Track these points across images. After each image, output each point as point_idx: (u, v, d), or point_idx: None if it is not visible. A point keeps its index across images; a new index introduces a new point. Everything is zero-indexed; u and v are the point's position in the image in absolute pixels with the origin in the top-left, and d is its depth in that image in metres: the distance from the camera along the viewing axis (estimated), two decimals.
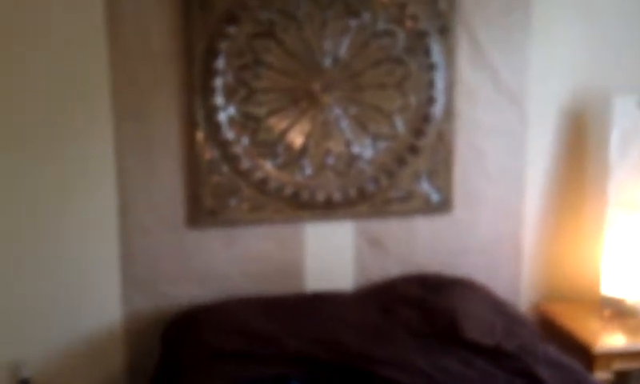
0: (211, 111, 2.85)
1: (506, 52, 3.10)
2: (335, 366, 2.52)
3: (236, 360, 2.54)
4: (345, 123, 2.98)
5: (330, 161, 3.00)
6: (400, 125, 3.03)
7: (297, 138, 2.96)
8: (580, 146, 3.31)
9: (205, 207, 2.91)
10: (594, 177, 3.28)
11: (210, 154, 2.88)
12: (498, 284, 3.12)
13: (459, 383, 2.43)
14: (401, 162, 3.06)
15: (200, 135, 2.87)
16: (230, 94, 2.86)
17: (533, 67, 3.14)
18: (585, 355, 2.90)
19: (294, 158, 2.97)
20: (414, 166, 3.07)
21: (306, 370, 2.50)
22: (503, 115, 3.16)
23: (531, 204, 3.27)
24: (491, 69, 3.09)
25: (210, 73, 2.82)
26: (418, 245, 3.14)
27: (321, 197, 3.01)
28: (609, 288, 3.19)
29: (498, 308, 2.94)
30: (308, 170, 2.99)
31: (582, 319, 3.16)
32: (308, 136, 2.96)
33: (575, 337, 3.04)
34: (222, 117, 2.87)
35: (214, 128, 2.87)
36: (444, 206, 3.14)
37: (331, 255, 3.09)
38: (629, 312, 3.15)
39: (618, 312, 3.16)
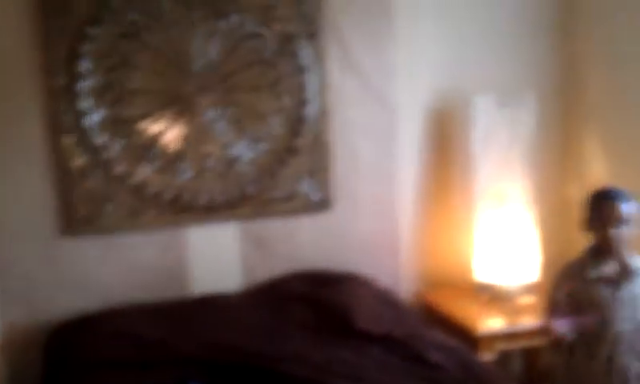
0: (79, 115, 2.77)
1: (373, 55, 3.25)
2: (232, 366, 2.48)
3: (125, 369, 2.46)
4: (221, 125, 2.99)
5: (210, 163, 2.99)
6: (277, 126, 3.08)
7: (173, 141, 2.92)
8: (446, 143, 3.50)
9: (78, 215, 2.80)
10: (461, 171, 3.47)
11: (80, 159, 2.79)
12: (380, 276, 3.20)
13: (356, 372, 2.46)
14: (280, 162, 3.10)
15: (68, 140, 2.77)
16: (99, 96, 2.79)
17: (399, 69, 3.31)
18: (468, 338, 3.03)
19: (172, 162, 2.93)
20: (293, 167, 3.13)
21: (201, 373, 2.45)
22: (374, 115, 3.29)
23: (405, 199, 3.42)
24: (360, 71, 3.23)
25: (73, 76, 2.75)
26: (302, 243, 3.19)
27: (202, 200, 2.99)
28: (481, 275, 3.37)
29: (384, 299, 3.03)
30: (187, 174, 2.96)
31: (461, 304, 3.31)
32: (185, 139, 2.95)
33: (457, 321, 3.17)
34: (92, 120, 2.79)
35: (83, 132, 2.78)
36: (324, 204, 3.21)
37: (216, 258, 3.07)
38: (503, 296, 3.33)
39: (493, 296, 3.34)
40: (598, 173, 3.58)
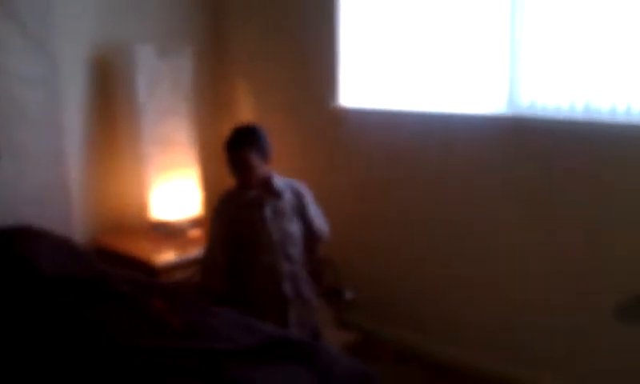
0: None
1: (31, 2, 3.16)
2: None
3: None
4: None
5: None
6: None
7: None
8: (111, 92, 3.63)
9: None
10: (127, 118, 3.64)
11: None
12: (53, 226, 3.17)
13: (51, 321, 2.47)
14: None
15: None
16: None
17: (59, 18, 3.29)
18: (148, 272, 3.26)
19: None
20: None
21: None
22: (35, 64, 3.22)
23: (73, 149, 3.47)
24: (18, 18, 3.12)
25: None
26: None
27: None
28: (154, 213, 3.62)
29: (62, 246, 3.06)
30: None
31: (137, 243, 3.53)
32: None
33: (136, 258, 3.38)
34: None
35: None
36: None
37: None
38: (175, 231, 3.64)
39: (166, 232, 3.63)
40: (246, 112, 4.12)
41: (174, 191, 3.66)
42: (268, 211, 2.91)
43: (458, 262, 3.36)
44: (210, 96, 4.09)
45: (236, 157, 2.86)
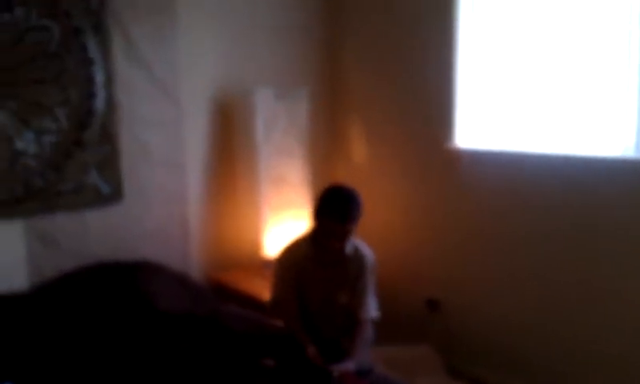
0: None
1: (158, 49, 3.35)
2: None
3: None
4: (3, 119, 2.89)
5: None
6: (63, 119, 3.05)
7: None
8: (230, 132, 3.75)
9: None
10: (245, 159, 3.74)
11: None
12: (172, 262, 3.32)
13: (170, 355, 2.58)
14: (67, 155, 3.08)
15: None
16: None
17: (183, 63, 3.46)
18: (260, 308, 3.28)
19: None
20: (81, 159, 3.12)
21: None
22: (160, 108, 3.40)
23: (193, 188, 3.59)
24: (145, 64, 3.31)
25: None
26: (92, 236, 3.18)
27: None
28: (267, 252, 3.68)
29: (180, 282, 3.17)
30: None
31: (250, 280, 3.59)
32: None
33: (247, 294, 3.44)
34: None
35: None
36: (114, 196, 3.25)
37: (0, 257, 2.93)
38: None
39: None
40: (360, 155, 4.12)
41: (287, 230, 3.70)
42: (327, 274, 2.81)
43: (584, 325, 3.14)
44: (324, 137, 4.13)
45: (336, 228, 2.69)
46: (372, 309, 2.89)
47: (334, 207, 2.67)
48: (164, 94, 3.40)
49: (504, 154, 3.39)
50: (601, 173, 3.04)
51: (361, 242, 2.88)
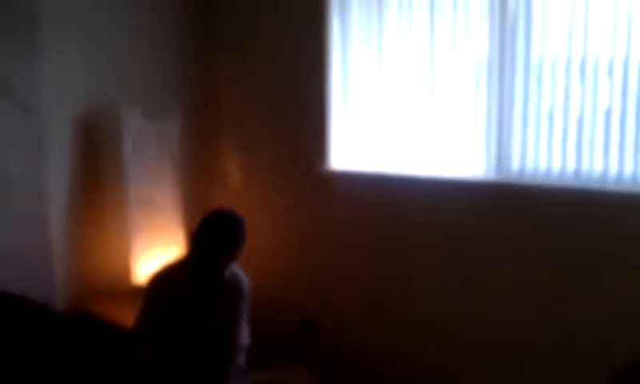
0: None
1: (18, 65, 3.14)
2: None
3: None
4: None
5: None
6: None
7: None
8: (98, 154, 3.57)
9: None
10: (113, 181, 3.58)
11: None
12: (33, 291, 3.04)
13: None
14: None
15: None
16: None
17: (46, 80, 3.26)
18: (131, 340, 3.12)
19: None
20: None
21: None
22: (19, 126, 3.18)
23: (57, 211, 3.38)
24: (4, 81, 3.09)
25: None
26: None
27: None
28: (138, 278, 3.53)
29: (41, 314, 2.96)
30: None
31: (120, 308, 3.40)
32: None
33: (118, 324, 3.25)
34: None
35: None
36: None
37: None
38: None
39: None
40: (235, 177, 4.08)
41: (160, 255, 3.58)
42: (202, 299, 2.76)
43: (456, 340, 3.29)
44: (198, 158, 4.05)
45: (217, 254, 2.64)
46: (244, 336, 2.87)
47: (218, 233, 2.63)
48: (24, 111, 3.18)
49: (375, 176, 3.50)
50: (462, 194, 3.22)
51: (237, 268, 2.84)
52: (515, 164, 3.06)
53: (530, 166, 3.02)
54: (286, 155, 3.85)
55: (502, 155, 3.08)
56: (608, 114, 2.80)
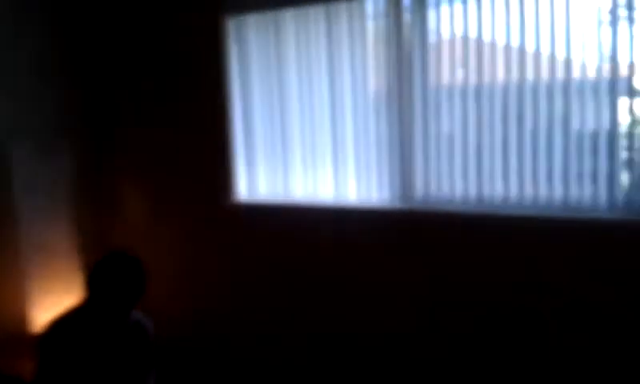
0: None
1: None
2: None
3: None
4: None
5: None
6: None
7: None
8: None
9: None
10: (2, 223, 3.32)
11: None
12: None
13: None
14: None
15: None
16: None
17: None
18: None
19: None
20: None
21: None
22: None
23: None
24: None
25: None
26: None
27: None
28: (36, 328, 3.30)
29: None
30: None
31: (14, 362, 3.17)
32: None
33: (13, 378, 3.03)
34: None
35: None
36: None
37: None
38: None
39: None
40: (136, 216, 3.89)
41: (57, 302, 3.37)
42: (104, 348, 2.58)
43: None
44: (95, 196, 3.82)
45: (105, 301, 2.46)
46: None
47: (111, 278, 2.46)
48: None
49: (282, 207, 3.46)
50: (368, 223, 3.24)
51: (141, 314, 2.70)
52: (419, 191, 3.11)
53: (433, 193, 3.08)
54: (190, 191, 3.72)
55: (405, 183, 3.13)
56: (505, 139, 2.90)
